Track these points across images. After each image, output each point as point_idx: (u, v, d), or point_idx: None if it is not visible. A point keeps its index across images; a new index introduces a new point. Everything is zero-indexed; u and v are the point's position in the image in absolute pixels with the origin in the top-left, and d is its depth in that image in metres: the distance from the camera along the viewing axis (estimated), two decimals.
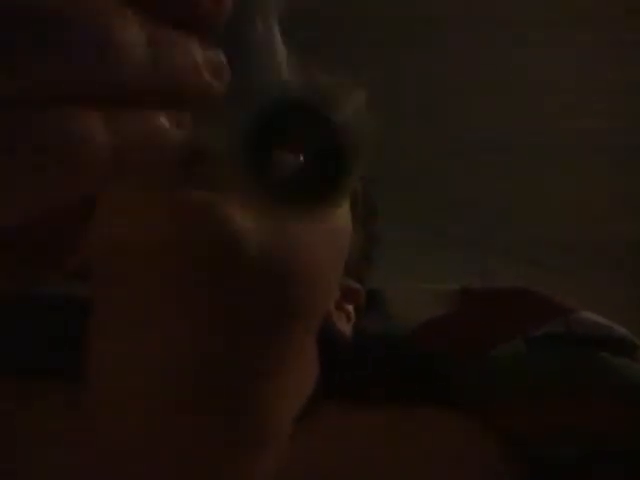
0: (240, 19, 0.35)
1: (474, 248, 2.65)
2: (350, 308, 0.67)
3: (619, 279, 2.70)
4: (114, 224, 0.52)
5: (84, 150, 0.29)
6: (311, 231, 0.57)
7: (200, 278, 0.52)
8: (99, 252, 0.54)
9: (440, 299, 0.70)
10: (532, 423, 0.59)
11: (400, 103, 2.22)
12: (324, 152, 0.36)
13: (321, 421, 0.62)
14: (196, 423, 0.55)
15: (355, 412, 0.63)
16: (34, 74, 0.29)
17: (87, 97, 0.29)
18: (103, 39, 0.29)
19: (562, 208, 2.59)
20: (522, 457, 0.57)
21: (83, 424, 0.57)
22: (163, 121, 0.31)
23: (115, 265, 0.54)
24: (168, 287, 0.53)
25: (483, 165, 2.46)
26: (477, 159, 2.44)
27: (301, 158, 0.37)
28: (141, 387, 0.55)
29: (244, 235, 0.52)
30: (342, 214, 0.64)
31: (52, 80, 0.29)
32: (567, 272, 2.69)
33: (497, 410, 0.60)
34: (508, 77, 2.13)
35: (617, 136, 2.30)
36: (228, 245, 0.51)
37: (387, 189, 2.19)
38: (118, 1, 0.30)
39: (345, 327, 0.65)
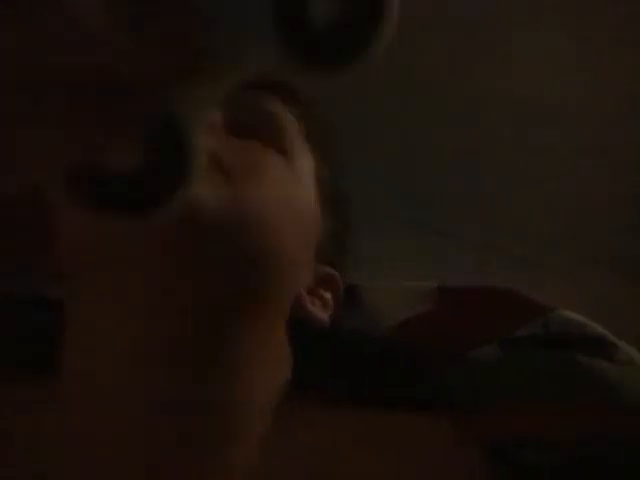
0: None
1: (474, 248, 2.65)
2: (327, 295, 0.67)
3: (619, 279, 2.70)
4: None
5: None
6: (272, 208, 0.58)
7: (161, 253, 0.54)
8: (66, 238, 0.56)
9: (419, 297, 0.70)
10: (508, 427, 0.59)
11: (404, 95, 2.22)
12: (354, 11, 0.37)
13: (303, 416, 0.62)
14: (167, 421, 0.55)
15: (336, 410, 0.63)
16: None
17: None
18: None
19: (562, 208, 2.59)
20: (502, 460, 0.57)
21: (53, 418, 0.58)
22: None
23: (80, 246, 0.55)
24: (134, 263, 0.54)
25: (483, 165, 2.46)
26: (477, 159, 2.44)
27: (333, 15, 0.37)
28: (109, 376, 0.56)
29: (200, 207, 0.54)
30: (306, 195, 0.65)
31: None
32: (567, 272, 2.68)
33: (476, 413, 0.60)
34: (509, 77, 2.13)
35: (617, 136, 2.29)
36: (184, 217, 0.53)
37: (387, 189, 2.19)
38: None
39: (321, 313, 0.65)
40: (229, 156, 0.60)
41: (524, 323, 0.65)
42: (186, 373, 0.57)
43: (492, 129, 2.31)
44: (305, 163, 0.67)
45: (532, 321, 0.65)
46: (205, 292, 0.56)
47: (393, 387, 0.64)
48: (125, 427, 0.56)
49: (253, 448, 0.59)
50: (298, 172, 0.65)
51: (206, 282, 0.56)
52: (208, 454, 0.57)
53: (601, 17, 1.97)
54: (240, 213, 0.57)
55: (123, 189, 0.38)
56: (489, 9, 1.98)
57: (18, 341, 0.66)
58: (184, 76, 0.37)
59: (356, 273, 0.79)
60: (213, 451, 0.58)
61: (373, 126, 2.20)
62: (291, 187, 0.62)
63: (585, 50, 2.07)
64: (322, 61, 0.39)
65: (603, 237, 2.65)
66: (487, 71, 2.12)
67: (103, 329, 0.57)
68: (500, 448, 0.58)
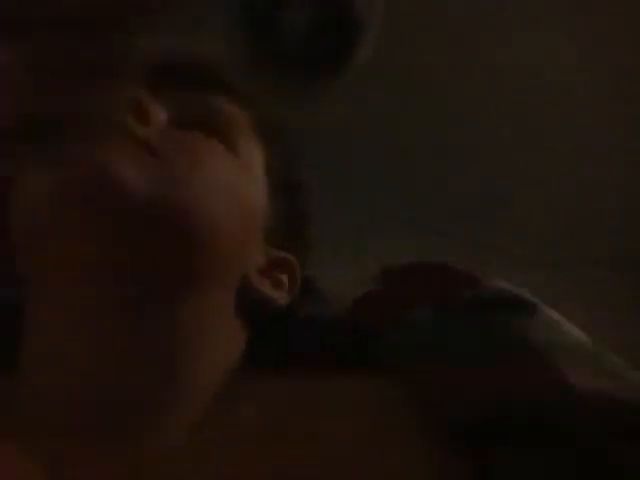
0: None
1: (474, 249, 2.65)
2: (283, 277, 0.69)
3: (619, 279, 2.70)
4: (22, 195, 0.59)
5: None
6: (205, 191, 0.61)
7: (99, 233, 0.58)
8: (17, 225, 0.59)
9: (367, 281, 0.73)
10: (445, 387, 0.60)
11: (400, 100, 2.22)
12: (333, 20, 0.36)
13: (250, 384, 0.63)
14: (114, 397, 0.57)
15: (279, 378, 0.65)
16: None
17: None
18: None
19: (562, 208, 2.59)
20: (443, 423, 0.59)
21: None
22: None
23: (30, 237, 0.58)
24: (76, 245, 0.57)
25: (483, 165, 2.46)
26: (477, 159, 2.44)
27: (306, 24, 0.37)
28: (61, 356, 0.58)
29: (129, 189, 0.56)
30: (246, 181, 0.67)
31: None
32: (567, 272, 2.68)
33: (414, 375, 0.61)
34: (509, 76, 2.13)
35: (617, 136, 2.30)
36: (115, 197, 0.57)
37: (387, 189, 2.18)
38: None
39: (272, 292, 0.67)
40: (166, 143, 0.63)
41: (459, 293, 0.68)
42: (127, 355, 0.59)
43: (492, 129, 2.31)
44: (250, 152, 0.70)
45: (466, 290, 0.68)
46: (138, 274, 0.58)
47: (335, 354, 0.67)
48: (77, 390, 0.59)
49: (196, 413, 0.60)
50: (241, 160, 0.68)
51: (137, 263, 0.58)
52: (145, 424, 0.59)
53: (601, 17, 1.97)
54: (169, 195, 0.59)
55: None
56: (489, 9, 1.98)
57: None
58: None
59: (357, 272, 0.79)
60: (151, 420, 0.60)
61: (373, 126, 2.20)
62: (229, 172, 0.65)
63: (586, 51, 2.07)
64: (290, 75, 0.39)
65: (603, 237, 2.65)
66: (487, 71, 2.12)
67: (54, 312, 0.59)
68: (439, 410, 0.59)
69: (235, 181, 0.66)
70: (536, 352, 0.61)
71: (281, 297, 0.70)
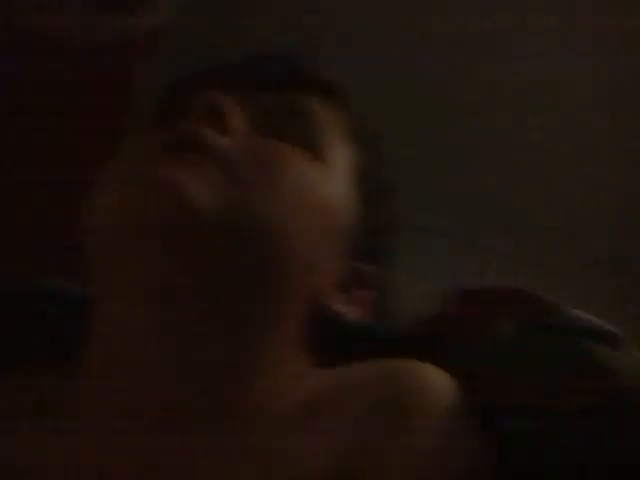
0: None
1: (474, 248, 2.65)
2: (364, 294, 0.66)
3: (618, 280, 2.70)
4: (102, 205, 0.58)
5: None
6: (280, 208, 0.59)
7: (167, 247, 0.56)
8: (91, 239, 0.58)
9: (437, 298, 0.70)
10: (499, 394, 0.59)
11: (401, 98, 2.22)
12: None
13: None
14: (177, 397, 0.57)
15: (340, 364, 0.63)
16: None
17: None
18: None
19: (562, 208, 2.59)
20: (489, 426, 0.58)
21: (72, 399, 0.59)
22: None
23: (104, 246, 0.57)
24: (146, 259, 0.57)
25: (483, 165, 2.46)
26: (478, 159, 2.44)
27: None
28: (127, 359, 0.57)
29: (201, 207, 0.55)
30: (333, 193, 0.64)
31: None
32: (567, 272, 2.68)
33: (487, 388, 0.60)
34: (510, 76, 2.13)
35: (617, 136, 2.30)
36: (184, 214, 0.56)
37: None
38: None
39: (347, 309, 0.64)
40: (245, 153, 0.60)
41: (538, 317, 0.66)
42: (195, 373, 0.58)
43: (492, 128, 2.31)
44: (341, 159, 0.66)
45: (545, 316, 0.66)
46: (206, 290, 0.57)
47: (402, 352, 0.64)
48: (141, 397, 0.58)
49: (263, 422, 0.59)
50: (329, 168, 0.64)
51: (207, 280, 0.57)
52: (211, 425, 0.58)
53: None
54: (242, 211, 0.57)
55: None
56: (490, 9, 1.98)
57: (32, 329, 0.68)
58: None
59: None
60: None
61: (372, 126, 2.20)
62: (312, 184, 0.61)
63: (587, 53, 2.07)
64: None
65: (603, 237, 2.65)
66: (487, 71, 2.12)
67: (121, 313, 0.59)
68: (489, 414, 0.58)
69: (318, 193, 0.63)
70: (620, 385, 0.59)
71: (356, 313, 0.66)
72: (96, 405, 0.59)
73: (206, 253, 0.57)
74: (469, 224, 2.63)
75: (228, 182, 0.58)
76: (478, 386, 0.59)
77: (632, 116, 2.21)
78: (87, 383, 0.59)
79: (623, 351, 0.63)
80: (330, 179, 0.64)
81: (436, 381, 0.58)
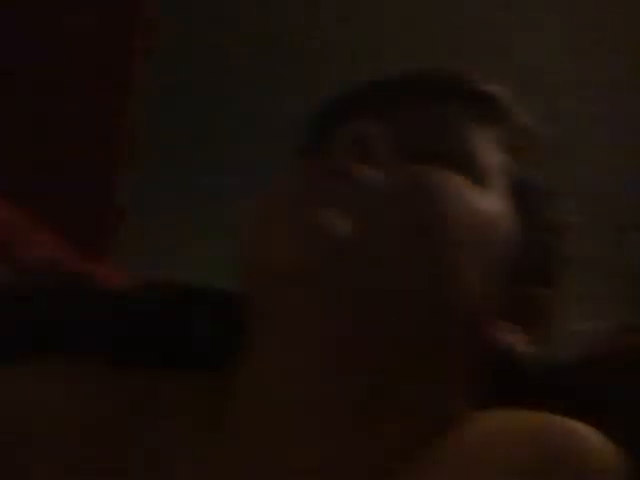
0: None
1: None
2: (528, 318, 0.63)
3: (619, 283, 2.70)
4: (258, 247, 0.57)
5: None
6: (442, 230, 0.56)
7: (328, 294, 0.55)
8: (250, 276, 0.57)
9: (597, 335, 0.67)
10: None
11: None
12: None
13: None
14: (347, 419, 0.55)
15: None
16: None
17: None
18: None
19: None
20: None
21: (228, 409, 0.58)
22: None
23: (263, 285, 0.57)
24: (309, 305, 0.56)
25: None
26: None
27: None
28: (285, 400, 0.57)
29: (341, 246, 0.54)
30: (492, 207, 0.59)
31: None
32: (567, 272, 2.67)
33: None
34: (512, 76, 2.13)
35: (617, 136, 2.30)
36: (325, 252, 0.54)
37: None
38: None
39: (513, 338, 0.61)
40: (393, 187, 0.57)
41: None
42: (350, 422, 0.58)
43: None
44: (499, 180, 0.62)
45: None
46: (380, 337, 0.56)
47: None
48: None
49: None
50: (488, 191, 0.60)
51: (381, 327, 0.56)
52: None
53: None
54: (376, 243, 0.56)
55: None
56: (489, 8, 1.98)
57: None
58: None
59: None
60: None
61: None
62: (474, 211, 0.58)
63: (585, 51, 2.07)
64: None
65: (604, 238, 2.64)
66: (488, 71, 2.12)
67: (285, 358, 0.58)
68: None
69: (479, 218, 0.60)
70: None
71: (525, 343, 0.62)
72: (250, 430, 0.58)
73: (342, 290, 0.55)
74: None
75: (374, 213, 0.57)
76: None
77: (632, 116, 2.21)
78: (243, 404, 0.59)
79: None
80: (490, 201, 0.61)
81: (601, 456, 0.54)
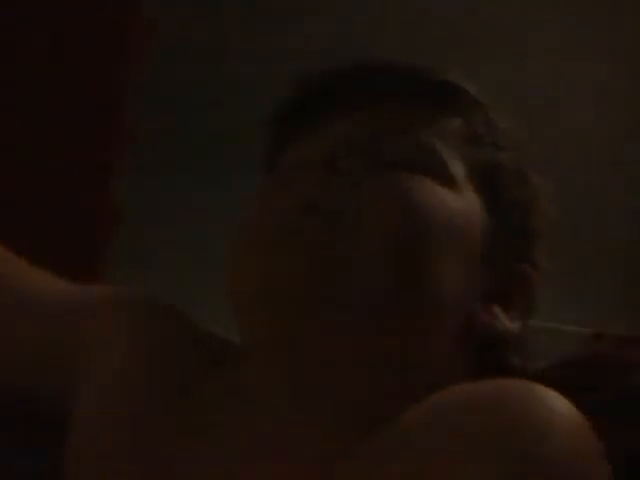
0: None
1: None
2: (515, 298, 0.64)
3: (619, 281, 2.70)
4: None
5: None
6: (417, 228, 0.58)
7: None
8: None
9: (574, 341, 0.68)
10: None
11: None
12: None
13: None
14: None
15: None
16: None
17: None
18: None
19: (562, 209, 2.58)
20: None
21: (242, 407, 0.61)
22: None
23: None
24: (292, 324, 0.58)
25: None
26: None
27: None
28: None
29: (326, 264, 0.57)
30: (463, 210, 0.62)
31: None
32: (567, 272, 2.67)
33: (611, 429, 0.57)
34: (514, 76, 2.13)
35: (617, 138, 2.30)
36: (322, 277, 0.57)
37: None
38: None
39: (498, 319, 0.62)
40: (364, 203, 0.59)
41: None
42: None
43: None
44: (463, 171, 0.63)
45: None
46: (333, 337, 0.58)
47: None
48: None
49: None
50: (460, 190, 0.62)
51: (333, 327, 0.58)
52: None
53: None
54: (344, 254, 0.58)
55: None
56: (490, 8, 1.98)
57: None
58: None
59: None
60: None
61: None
62: (440, 210, 0.60)
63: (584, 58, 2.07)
64: None
65: (603, 237, 2.64)
66: (488, 71, 2.12)
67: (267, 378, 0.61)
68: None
69: (452, 221, 0.61)
70: None
71: (513, 322, 0.63)
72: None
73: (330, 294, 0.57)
74: None
75: (344, 237, 0.58)
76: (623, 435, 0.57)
77: (632, 117, 2.21)
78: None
79: None
80: (462, 199, 0.63)
81: (564, 414, 0.52)
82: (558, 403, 0.51)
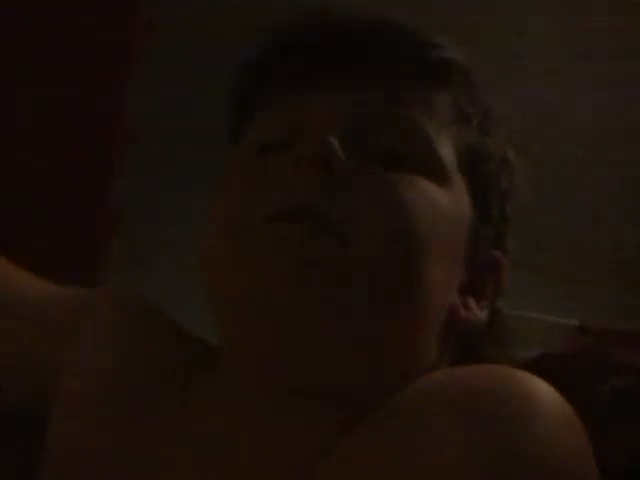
0: None
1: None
2: (486, 287, 0.64)
3: (619, 284, 2.69)
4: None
5: None
6: (398, 233, 0.57)
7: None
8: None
9: (559, 333, 0.68)
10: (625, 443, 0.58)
11: None
12: None
13: None
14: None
15: None
16: None
17: None
18: None
19: (562, 209, 2.59)
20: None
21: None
22: None
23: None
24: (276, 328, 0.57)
25: None
26: None
27: None
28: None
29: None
30: (452, 206, 0.61)
31: None
32: (567, 272, 2.68)
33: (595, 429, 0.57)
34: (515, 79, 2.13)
35: (617, 135, 2.30)
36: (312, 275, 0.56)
37: None
38: None
39: (474, 313, 0.62)
40: (351, 182, 0.58)
41: None
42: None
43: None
44: (451, 158, 0.62)
45: None
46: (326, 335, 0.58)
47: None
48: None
49: None
50: (450, 186, 0.61)
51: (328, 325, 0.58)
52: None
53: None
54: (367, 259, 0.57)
55: None
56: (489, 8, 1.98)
57: None
58: None
59: None
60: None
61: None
62: (428, 207, 0.59)
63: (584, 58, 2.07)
64: None
65: (603, 237, 2.65)
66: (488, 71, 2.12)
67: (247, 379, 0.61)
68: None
69: (444, 217, 0.60)
70: None
71: (482, 311, 0.63)
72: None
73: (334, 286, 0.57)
74: None
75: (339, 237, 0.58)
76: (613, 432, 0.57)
77: (631, 117, 2.21)
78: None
79: None
80: (451, 195, 0.62)
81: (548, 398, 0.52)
82: (539, 385, 0.52)
